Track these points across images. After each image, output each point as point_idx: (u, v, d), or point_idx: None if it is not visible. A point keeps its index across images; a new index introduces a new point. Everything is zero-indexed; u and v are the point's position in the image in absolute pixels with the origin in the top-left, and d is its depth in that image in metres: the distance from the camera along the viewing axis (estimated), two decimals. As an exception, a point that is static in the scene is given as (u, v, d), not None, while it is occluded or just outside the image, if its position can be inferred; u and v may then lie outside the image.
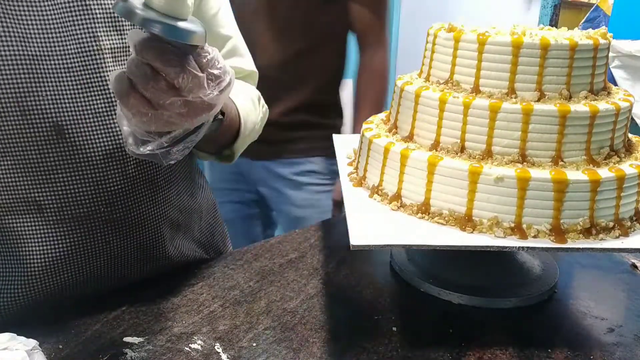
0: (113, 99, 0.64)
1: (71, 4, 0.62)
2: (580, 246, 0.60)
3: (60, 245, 0.65)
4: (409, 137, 0.70)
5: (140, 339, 0.61)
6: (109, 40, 0.64)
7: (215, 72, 0.51)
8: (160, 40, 0.48)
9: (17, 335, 0.53)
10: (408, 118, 0.70)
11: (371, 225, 0.63)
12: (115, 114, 0.64)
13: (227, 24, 0.84)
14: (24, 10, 0.60)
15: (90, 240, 0.66)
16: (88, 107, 0.63)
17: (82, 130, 0.63)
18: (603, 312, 0.70)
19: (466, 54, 0.66)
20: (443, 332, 0.65)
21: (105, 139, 0.64)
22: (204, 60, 0.50)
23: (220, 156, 0.80)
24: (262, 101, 0.88)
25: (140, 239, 0.71)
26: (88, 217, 0.66)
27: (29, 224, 0.64)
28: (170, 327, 0.64)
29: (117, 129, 0.65)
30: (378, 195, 0.70)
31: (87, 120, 0.63)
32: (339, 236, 0.90)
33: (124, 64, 0.64)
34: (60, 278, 0.66)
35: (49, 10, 0.61)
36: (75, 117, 0.62)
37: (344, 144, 0.90)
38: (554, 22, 1.77)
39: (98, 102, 0.64)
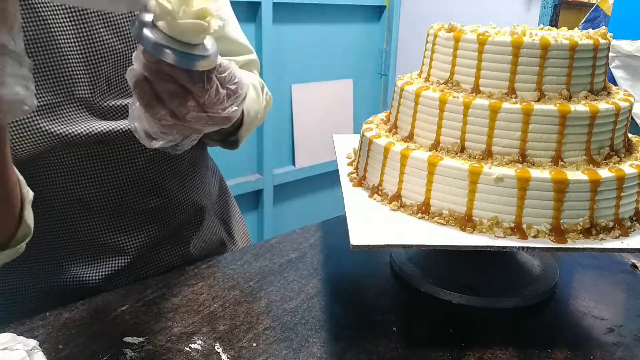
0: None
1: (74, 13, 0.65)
2: (580, 246, 0.60)
3: (104, 233, 0.74)
4: (409, 137, 0.70)
5: (140, 339, 0.61)
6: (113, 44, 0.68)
7: (232, 87, 0.53)
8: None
9: (17, 335, 0.53)
10: (408, 118, 0.70)
11: (371, 225, 0.63)
12: None
13: (222, 9, 0.85)
14: (29, 23, 0.62)
15: (129, 227, 0.76)
16: (120, 124, 0.70)
17: (119, 139, 0.70)
18: (603, 312, 0.70)
19: (466, 54, 0.66)
20: (443, 332, 0.65)
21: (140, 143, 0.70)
22: (223, 76, 0.52)
23: (224, 143, 0.84)
24: (266, 89, 0.90)
25: (174, 225, 0.80)
26: (128, 209, 0.75)
27: (76, 216, 0.72)
28: (170, 327, 0.64)
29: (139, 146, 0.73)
30: (378, 195, 0.70)
31: (122, 134, 0.70)
32: (339, 236, 0.90)
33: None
34: (104, 266, 0.76)
35: (53, 21, 0.64)
36: (112, 132, 0.69)
37: (344, 144, 0.90)
38: (554, 22, 1.77)
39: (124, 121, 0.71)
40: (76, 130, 0.66)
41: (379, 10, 2.50)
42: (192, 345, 0.61)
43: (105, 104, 0.69)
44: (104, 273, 0.76)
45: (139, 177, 0.74)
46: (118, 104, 0.69)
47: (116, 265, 0.76)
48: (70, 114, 0.66)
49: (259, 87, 0.87)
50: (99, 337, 0.61)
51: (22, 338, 0.53)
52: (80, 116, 0.67)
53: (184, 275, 0.76)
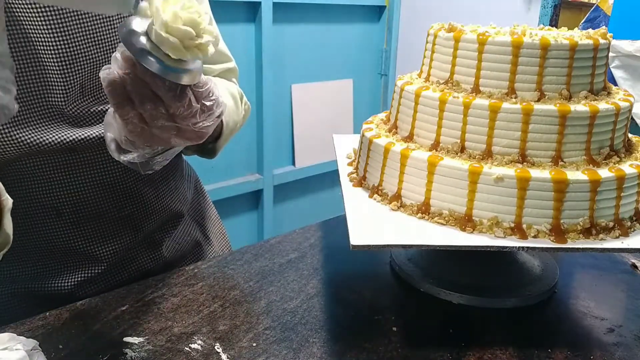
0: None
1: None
2: (580, 246, 0.60)
3: (78, 241, 0.73)
4: (409, 137, 0.70)
5: (140, 339, 0.61)
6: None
7: (208, 103, 0.52)
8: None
9: (17, 335, 0.53)
10: (408, 118, 0.70)
11: (371, 225, 0.63)
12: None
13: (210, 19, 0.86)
14: (6, 25, 0.61)
15: (103, 234, 0.75)
16: (93, 131, 0.69)
17: (92, 147, 0.69)
18: (603, 312, 0.70)
19: (466, 54, 0.66)
20: (443, 332, 0.65)
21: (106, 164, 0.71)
22: (200, 91, 0.51)
23: (202, 152, 0.83)
24: (245, 99, 0.89)
25: (148, 230, 0.79)
26: (101, 216, 0.74)
27: (49, 223, 0.71)
28: (170, 327, 0.64)
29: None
30: (378, 195, 0.70)
31: (95, 141, 0.69)
32: (339, 236, 0.90)
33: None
34: (77, 273, 0.75)
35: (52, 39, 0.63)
36: (84, 139, 0.68)
37: (344, 144, 0.90)
38: (554, 22, 1.77)
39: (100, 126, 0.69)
40: (47, 139, 0.65)
41: (379, 10, 2.50)
42: (192, 345, 0.61)
43: (78, 111, 0.67)
44: (76, 280, 0.75)
45: (112, 184, 0.73)
46: (91, 110, 0.68)
47: (90, 272, 0.75)
48: (41, 121, 0.65)
49: (238, 97, 0.86)
50: (99, 337, 0.61)
51: (22, 338, 0.53)
52: (52, 123, 0.66)
53: (184, 276, 0.76)
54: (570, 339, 0.64)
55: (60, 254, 0.74)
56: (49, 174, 0.68)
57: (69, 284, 0.75)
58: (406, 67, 2.46)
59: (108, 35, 0.66)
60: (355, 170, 0.79)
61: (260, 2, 1.96)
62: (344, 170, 0.80)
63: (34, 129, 0.64)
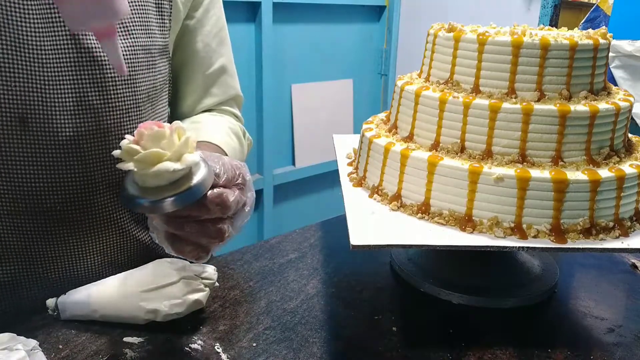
0: (81, 96, 0.62)
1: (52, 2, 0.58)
2: (580, 246, 0.60)
3: (12, 238, 0.63)
4: (409, 137, 0.70)
5: (140, 339, 0.61)
6: (86, 40, 0.61)
7: (240, 180, 0.56)
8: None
9: (17, 335, 0.53)
10: (408, 118, 0.70)
11: (371, 225, 0.63)
12: (81, 109, 0.62)
13: (222, 42, 0.85)
14: None
15: (44, 236, 0.65)
16: (55, 102, 0.60)
17: (46, 124, 0.60)
18: (603, 312, 0.70)
19: (466, 54, 0.66)
20: (443, 332, 0.65)
21: (68, 135, 0.62)
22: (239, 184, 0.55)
23: None
24: (247, 134, 0.90)
25: (101, 243, 0.70)
26: (43, 213, 0.64)
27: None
28: (170, 327, 0.64)
29: (82, 126, 0.63)
30: (378, 195, 0.70)
31: (53, 115, 0.60)
32: (339, 236, 0.90)
33: (102, 62, 0.62)
34: (11, 274, 0.65)
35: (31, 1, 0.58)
36: (40, 111, 0.60)
37: (344, 144, 0.90)
38: (554, 22, 1.77)
39: (66, 97, 0.61)
40: None
41: (379, 10, 2.51)
42: (192, 345, 0.61)
43: (46, 39, 0.58)
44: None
45: (59, 178, 0.64)
46: (63, 45, 0.59)
47: (26, 277, 0.67)
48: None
49: (241, 135, 0.85)
50: (99, 337, 0.61)
51: (22, 338, 0.53)
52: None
53: (184, 275, 0.76)
54: (570, 339, 0.65)
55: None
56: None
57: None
58: (406, 67, 2.46)
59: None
60: (355, 170, 0.79)
61: (260, 2, 1.97)
62: (344, 170, 0.80)
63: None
